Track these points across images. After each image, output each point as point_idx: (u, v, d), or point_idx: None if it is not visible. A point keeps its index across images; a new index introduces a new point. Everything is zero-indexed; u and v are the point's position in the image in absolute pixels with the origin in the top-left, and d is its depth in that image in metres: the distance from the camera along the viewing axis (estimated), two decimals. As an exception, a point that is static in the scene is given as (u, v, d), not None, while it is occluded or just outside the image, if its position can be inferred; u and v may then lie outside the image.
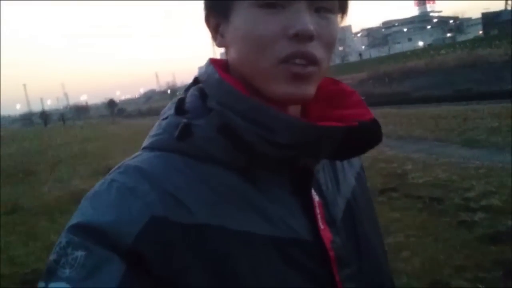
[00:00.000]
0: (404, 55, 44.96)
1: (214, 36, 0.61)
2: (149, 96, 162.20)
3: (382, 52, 79.80)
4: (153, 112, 67.67)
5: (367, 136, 0.58)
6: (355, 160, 0.74)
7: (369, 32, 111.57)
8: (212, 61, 0.61)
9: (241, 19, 0.55)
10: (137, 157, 0.57)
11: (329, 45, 0.56)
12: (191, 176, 0.54)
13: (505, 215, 4.05)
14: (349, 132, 0.55)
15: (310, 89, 0.56)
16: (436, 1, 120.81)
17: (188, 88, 0.63)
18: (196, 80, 0.63)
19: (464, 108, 12.82)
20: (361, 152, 0.60)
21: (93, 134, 24.72)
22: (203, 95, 0.58)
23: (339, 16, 0.59)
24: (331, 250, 0.57)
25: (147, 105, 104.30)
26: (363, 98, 0.63)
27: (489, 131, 8.12)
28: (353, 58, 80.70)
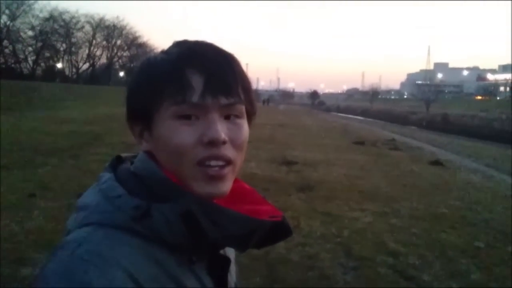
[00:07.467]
0: None
1: (139, 141, 0.68)
2: (351, 94, 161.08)
3: None
4: (350, 111, 65.78)
5: (281, 230, 0.68)
6: None
7: None
8: (147, 154, 0.67)
9: (161, 129, 0.64)
10: (96, 235, 0.58)
11: (240, 146, 0.66)
12: (146, 258, 0.59)
13: None
14: (273, 226, 0.66)
15: (227, 186, 0.66)
16: None
17: (112, 165, 0.69)
18: (119, 159, 0.71)
19: None
20: (273, 243, 0.70)
21: (288, 121, 25.45)
22: (142, 186, 0.64)
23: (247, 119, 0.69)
24: None
25: (347, 102, 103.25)
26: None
27: None
28: None
